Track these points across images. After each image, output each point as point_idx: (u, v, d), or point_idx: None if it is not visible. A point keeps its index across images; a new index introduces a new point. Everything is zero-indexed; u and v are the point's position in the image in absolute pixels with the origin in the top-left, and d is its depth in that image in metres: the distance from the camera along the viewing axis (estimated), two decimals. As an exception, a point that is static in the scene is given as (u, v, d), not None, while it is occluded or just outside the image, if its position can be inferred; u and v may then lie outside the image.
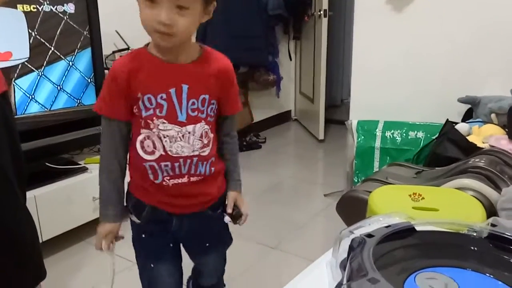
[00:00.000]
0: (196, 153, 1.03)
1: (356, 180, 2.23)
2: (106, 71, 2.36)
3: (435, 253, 0.64)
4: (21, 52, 1.89)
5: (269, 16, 3.52)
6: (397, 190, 1.34)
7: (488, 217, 1.21)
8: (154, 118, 0.99)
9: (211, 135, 1.06)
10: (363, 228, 0.68)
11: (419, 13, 2.27)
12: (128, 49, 2.60)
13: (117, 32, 2.56)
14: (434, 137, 1.98)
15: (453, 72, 2.23)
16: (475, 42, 2.15)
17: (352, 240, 0.64)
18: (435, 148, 1.84)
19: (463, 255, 0.63)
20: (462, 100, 2.13)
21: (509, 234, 0.62)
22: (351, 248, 0.63)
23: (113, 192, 1.07)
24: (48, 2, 1.94)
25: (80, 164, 2.20)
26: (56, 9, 1.98)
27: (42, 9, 1.93)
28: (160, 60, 0.99)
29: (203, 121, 1.03)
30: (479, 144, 1.73)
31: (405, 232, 0.68)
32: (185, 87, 0.99)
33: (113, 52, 2.55)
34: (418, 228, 0.69)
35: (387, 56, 2.39)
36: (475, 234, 0.66)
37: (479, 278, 0.56)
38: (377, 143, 2.17)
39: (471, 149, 1.69)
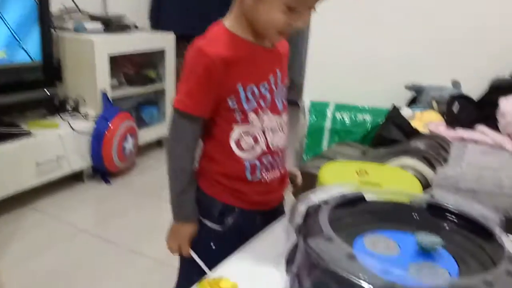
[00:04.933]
0: (286, 144, 0.95)
1: (305, 158, 2.31)
2: (53, 31, 2.26)
3: (381, 219, 0.71)
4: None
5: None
6: (345, 166, 1.41)
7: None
8: (259, 110, 0.86)
9: None
10: (318, 196, 0.72)
11: (374, 2, 2.35)
12: (78, 10, 2.49)
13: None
14: (380, 121, 2.08)
15: (402, 62, 2.34)
16: (423, 35, 2.27)
17: (309, 206, 0.69)
18: (381, 130, 1.94)
19: (404, 221, 0.70)
20: (408, 87, 2.25)
21: (445, 203, 0.70)
22: (307, 213, 0.68)
23: (190, 192, 0.91)
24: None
25: (23, 128, 2.10)
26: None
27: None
28: (255, 44, 0.85)
29: (287, 107, 0.94)
30: (421, 129, 1.85)
31: (356, 201, 0.74)
32: (279, 73, 0.89)
33: (62, 12, 2.44)
34: (367, 197, 0.75)
35: (342, 41, 2.46)
36: (416, 204, 0.74)
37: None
38: (327, 124, 2.24)
39: (413, 133, 1.80)
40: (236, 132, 0.86)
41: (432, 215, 0.71)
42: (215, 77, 0.81)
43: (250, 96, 0.85)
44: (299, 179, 1.09)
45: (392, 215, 0.71)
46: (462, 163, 1.38)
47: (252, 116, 0.86)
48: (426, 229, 0.67)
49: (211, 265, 0.91)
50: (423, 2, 2.24)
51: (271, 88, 0.87)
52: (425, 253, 0.61)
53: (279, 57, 0.90)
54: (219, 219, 0.94)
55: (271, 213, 0.96)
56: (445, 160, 1.52)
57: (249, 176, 0.90)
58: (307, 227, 0.63)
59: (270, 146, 0.89)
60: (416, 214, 0.71)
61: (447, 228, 0.68)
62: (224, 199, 0.93)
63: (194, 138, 0.88)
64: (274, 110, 0.88)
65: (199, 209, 0.94)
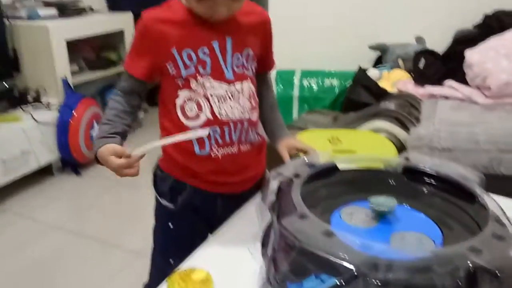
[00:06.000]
0: (247, 116, 0.87)
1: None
2: (5, 19, 2.14)
3: (357, 189, 0.69)
4: None
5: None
6: (317, 135, 1.40)
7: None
8: (198, 76, 0.83)
9: (256, 98, 0.92)
10: (289, 170, 0.70)
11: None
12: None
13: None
14: (348, 85, 2.06)
15: (364, 22, 2.31)
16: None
17: (280, 182, 0.66)
18: (349, 94, 1.92)
19: (381, 189, 0.68)
20: (372, 47, 2.23)
21: (421, 166, 0.68)
22: (280, 190, 0.65)
23: (104, 137, 0.84)
24: None
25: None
26: None
27: None
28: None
29: (249, 79, 0.88)
30: (389, 89, 1.84)
31: (329, 171, 0.71)
32: (229, 40, 0.85)
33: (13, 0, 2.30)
34: (340, 166, 0.73)
35: (303, 5, 2.41)
36: (391, 169, 0.72)
37: (397, 208, 0.60)
38: (295, 92, 2.21)
39: (382, 94, 1.79)
40: (181, 97, 0.85)
41: (409, 179, 0.69)
42: (147, 37, 0.84)
43: (187, 61, 0.83)
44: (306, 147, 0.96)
45: (368, 183, 0.69)
46: (434, 120, 1.38)
47: (190, 81, 0.84)
48: (404, 195, 0.65)
49: (173, 247, 0.93)
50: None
51: (214, 54, 0.84)
52: (385, 217, 0.59)
53: (233, 24, 0.86)
54: (171, 197, 0.92)
55: (240, 199, 0.90)
56: (417, 119, 1.52)
57: (197, 149, 0.85)
58: (280, 205, 0.60)
59: (217, 115, 0.84)
60: (392, 180, 0.69)
61: (425, 192, 0.67)
62: (176, 174, 0.90)
63: (126, 93, 0.87)
64: (218, 77, 0.84)
65: (155, 185, 0.94)
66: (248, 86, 0.88)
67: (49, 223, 1.92)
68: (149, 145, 0.77)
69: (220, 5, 0.78)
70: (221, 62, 0.84)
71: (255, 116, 0.90)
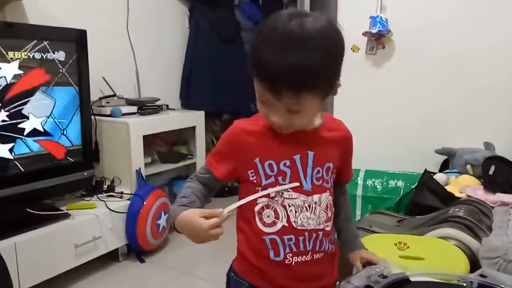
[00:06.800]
0: (322, 226, 0.90)
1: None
2: (92, 116, 2.39)
3: (431, 304, 0.68)
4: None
5: (252, 66, 3.64)
6: (383, 239, 1.38)
7: (471, 265, 1.26)
8: (277, 186, 0.87)
9: (333, 209, 0.95)
10: (361, 280, 0.71)
11: (397, 68, 2.40)
12: (114, 95, 2.65)
13: (104, 79, 2.61)
14: (413, 186, 2.05)
15: (430, 126, 2.33)
16: (451, 98, 2.28)
17: (353, 290, 0.67)
18: (415, 197, 1.91)
19: (456, 305, 0.66)
20: (439, 152, 2.23)
21: (499, 285, 0.67)
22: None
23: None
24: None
25: (62, 210, 2.16)
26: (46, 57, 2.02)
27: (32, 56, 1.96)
28: None
29: (328, 191, 0.92)
30: (457, 194, 1.80)
31: (401, 283, 0.71)
32: (310, 154, 0.89)
33: (100, 99, 2.59)
34: (412, 278, 0.73)
35: (367, 107, 2.49)
36: (465, 285, 0.70)
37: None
38: (359, 191, 2.22)
39: (450, 199, 1.76)
40: (259, 204, 0.89)
41: (485, 297, 0.68)
42: (234, 144, 0.91)
43: (268, 171, 0.88)
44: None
45: (442, 298, 0.68)
46: (508, 231, 1.32)
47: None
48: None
49: None
50: (448, 67, 2.28)
51: (295, 166, 0.88)
52: None
53: (316, 139, 0.91)
54: None
55: None
56: (488, 227, 1.47)
57: (272, 255, 0.88)
58: (354, 316, 0.61)
59: (293, 223, 0.87)
60: (468, 297, 0.68)
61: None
62: (250, 279, 0.92)
63: (201, 183, 0.94)
64: (297, 188, 0.88)
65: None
66: (326, 198, 0.91)
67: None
68: (236, 204, 0.86)
69: (276, 113, 0.82)
70: (301, 175, 0.88)
71: (329, 227, 0.92)
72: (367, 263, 0.95)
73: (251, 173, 0.89)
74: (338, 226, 1.02)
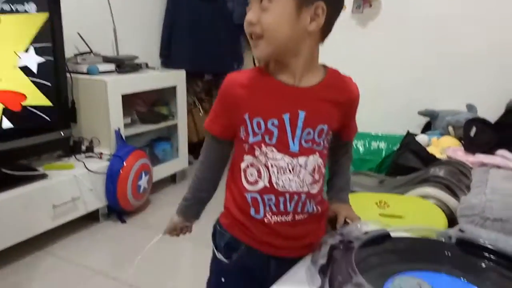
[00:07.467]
0: (306, 189, 0.87)
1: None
2: (67, 74, 2.31)
3: (410, 258, 0.67)
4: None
5: (235, 25, 3.54)
6: (364, 198, 1.38)
7: (449, 223, 1.27)
8: (262, 145, 0.86)
9: (323, 171, 0.91)
10: (342, 236, 0.70)
11: (383, 28, 2.36)
12: (91, 52, 2.55)
13: (79, 34, 2.50)
14: (395, 148, 2.05)
15: (414, 87, 2.32)
16: (435, 60, 2.26)
17: (332, 246, 0.66)
18: (397, 158, 1.91)
19: (435, 260, 0.66)
20: (422, 113, 2.23)
21: (478, 239, 0.66)
22: (331, 254, 0.65)
23: (190, 201, 1.01)
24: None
25: (38, 170, 2.11)
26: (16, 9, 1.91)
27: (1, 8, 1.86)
28: (278, 81, 0.86)
29: (317, 153, 0.88)
30: (438, 155, 1.81)
31: (381, 239, 0.71)
32: (301, 114, 0.85)
33: (75, 55, 2.49)
34: (392, 234, 0.72)
35: (351, 67, 2.44)
36: (446, 240, 0.70)
37: (453, 281, 0.59)
38: (341, 153, 2.22)
39: (431, 160, 1.77)
40: (245, 162, 0.89)
41: (464, 251, 0.67)
42: (227, 100, 0.88)
43: (256, 129, 0.86)
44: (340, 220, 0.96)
45: (421, 253, 0.68)
46: (486, 190, 1.34)
47: (255, 148, 0.86)
48: (460, 268, 0.63)
49: None
50: (434, 29, 2.24)
51: (283, 126, 0.85)
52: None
53: (312, 98, 0.86)
54: (226, 252, 0.95)
55: (294, 264, 0.88)
56: (467, 187, 1.48)
57: (252, 212, 0.88)
58: (332, 271, 0.60)
59: (274, 184, 0.86)
60: (448, 251, 0.68)
61: (483, 266, 0.64)
62: (233, 232, 0.93)
63: (210, 154, 0.95)
64: (283, 149, 0.85)
65: (214, 239, 0.98)
66: (313, 160, 0.87)
67: (93, 268, 1.95)
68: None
69: (252, 9, 0.81)
70: (289, 135, 0.85)
71: (315, 189, 0.89)
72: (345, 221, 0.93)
73: (242, 128, 0.87)
74: (332, 181, 1.01)
